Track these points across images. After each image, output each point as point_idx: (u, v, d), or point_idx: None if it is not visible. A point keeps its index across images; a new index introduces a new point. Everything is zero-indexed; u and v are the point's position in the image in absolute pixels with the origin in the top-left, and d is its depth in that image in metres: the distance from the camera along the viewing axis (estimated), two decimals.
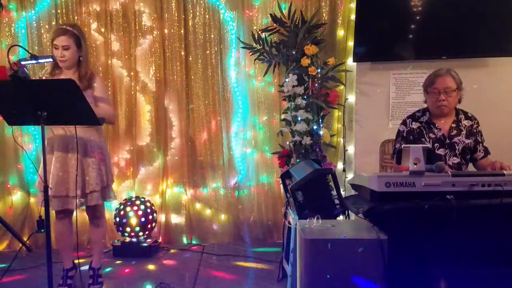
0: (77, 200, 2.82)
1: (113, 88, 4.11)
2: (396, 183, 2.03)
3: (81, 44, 2.88)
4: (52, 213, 2.76)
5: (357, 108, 3.94)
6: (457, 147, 2.76)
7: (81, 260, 3.31)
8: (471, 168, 2.87)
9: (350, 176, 3.96)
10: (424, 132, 2.80)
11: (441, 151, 2.76)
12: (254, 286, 3.17)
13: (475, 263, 2.03)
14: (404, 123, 2.90)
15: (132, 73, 4.12)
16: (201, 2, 4.06)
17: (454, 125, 2.80)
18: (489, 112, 3.46)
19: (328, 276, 1.98)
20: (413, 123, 2.85)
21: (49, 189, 2.76)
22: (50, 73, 2.95)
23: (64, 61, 2.85)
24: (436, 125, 2.80)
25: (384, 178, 2.04)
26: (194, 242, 4.15)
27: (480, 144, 2.82)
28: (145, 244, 3.82)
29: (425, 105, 2.90)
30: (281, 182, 3.24)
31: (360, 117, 3.93)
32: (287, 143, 3.87)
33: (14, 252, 3.33)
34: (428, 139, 2.78)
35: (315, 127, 3.72)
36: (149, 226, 3.88)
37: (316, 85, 3.72)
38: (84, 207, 3.00)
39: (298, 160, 3.63)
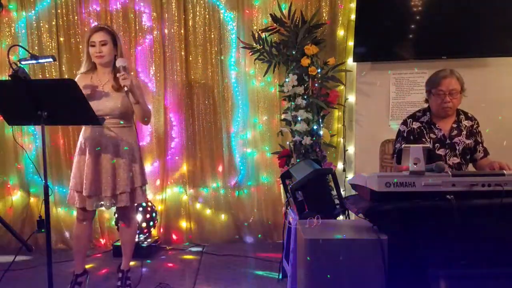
0: (108, 201, 2.82)
1: None
2: (396, 183, 2.03)
3: (117, 43, 2.85)
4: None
5: (357, 108, 3.94)
6: (457, 147, 2.76)
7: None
8: (471, 168, 2.87)
9: (350, 176, 3.96)
10: (425, 132, 2.80)
11: (441, 151, 2.76)
12: (254, 286, 3.18)
13: (475, 263, 2.03)
14: (404, 123, 2.89)
15: (132, 73, 4.11)
16: (201, 2, 4.06)
17: (454, 125, 2.80)
18: (489, 112, 3.47)
19: (328, 276, 1.98)
20: (414, 123, 2.85)
21: (83, 189, 2.78)
22: (85, 73, 2.89)
23: (102, 56, 2.79)
24: (437, 125, 2.80)
25: (384, 178, 2.04)
26: (194, 242, 4.15)
27: (480, 145, 2.82)
28: (145, 244, 3.82)
29: (425, 105, 2.90)
30: (281, 182, 3.24)
31: (360, 117, 3.93)
32: (287, 143, 3.87)
33: (14, 252, 3.32)
34: (428, 139, 2.78)
35: (315, 127, 3.72)
36: (149, 226, 3.88)
37: (316, 85, 3.72)
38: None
39: (298, 160, 3.63)
